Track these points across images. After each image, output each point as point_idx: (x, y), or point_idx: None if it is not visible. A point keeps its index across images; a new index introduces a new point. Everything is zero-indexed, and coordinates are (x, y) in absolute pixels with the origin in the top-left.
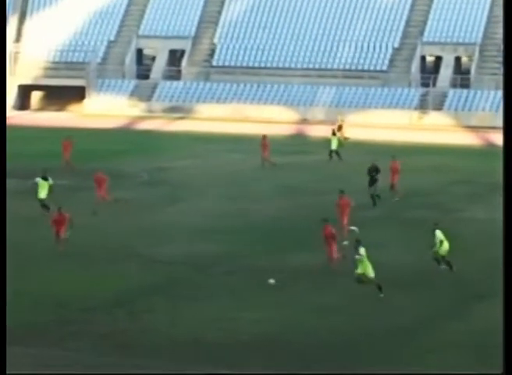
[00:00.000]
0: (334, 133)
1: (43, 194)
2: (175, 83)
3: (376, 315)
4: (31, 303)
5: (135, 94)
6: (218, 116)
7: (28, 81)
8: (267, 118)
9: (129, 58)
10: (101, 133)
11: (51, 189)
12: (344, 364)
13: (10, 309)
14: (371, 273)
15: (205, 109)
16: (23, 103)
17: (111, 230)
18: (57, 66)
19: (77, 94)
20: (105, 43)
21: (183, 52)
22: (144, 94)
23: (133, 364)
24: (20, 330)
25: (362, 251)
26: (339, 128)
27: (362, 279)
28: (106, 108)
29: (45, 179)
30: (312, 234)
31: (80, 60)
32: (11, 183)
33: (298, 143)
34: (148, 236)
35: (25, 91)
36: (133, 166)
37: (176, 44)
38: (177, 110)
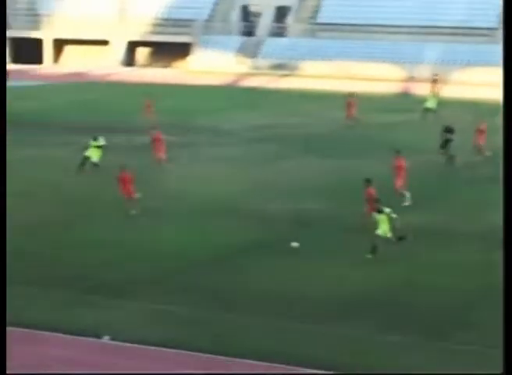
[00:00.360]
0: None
1: (94, 155)
2: (280, 40)
3: (485, 274)
4: (137, 257)
5: (240, 51)
6: (323, 74)
7: (136, 37)
8: (373, 75)
9: (235, 15)
10: (206, 90)
11: (101, 149)
12: (453, 326)
13: (119, 263)
14: (388, 234)
15: (310, 67)
16: (131, 59)
17: (215, 186)
18: (164, 23)
19: (183, 50)
20: (212, 0)
21: (288, 9)
22: (249, 51)
23: (234, 320)
24: (127, 283)
25: (387, 210)
26: (434, 82)
27: (377, 239)
28: (211, 65)
29: (95, 140)
30: (415, 194)
31: (187, 17)
32: (115, 139)
33: (404, 101)
34: (251, 192)
35: (133, 47)
36: (236, 122)
37: (282, 1)
38: (282, 67)
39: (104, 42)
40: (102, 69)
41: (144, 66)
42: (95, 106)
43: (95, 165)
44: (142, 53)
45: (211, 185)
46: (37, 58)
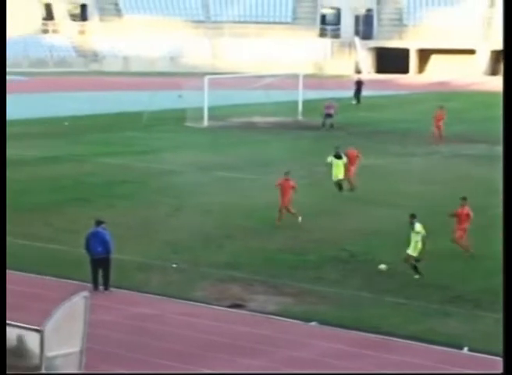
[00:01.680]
0: None
1: (340, 174)
2: None
3: None
4: (488, 269)
5: None
6: None
7: (500, 46)
8: None
9: None
10: None
11: (345, 167)
12: None
13: (471, 275)
14: (412, 253)
15: None
16: (495, 68)
17: None
18: None
19: None
20: None
21: None
22: None
23: None
24: (478, 294)
25: (418, 227)
26: None
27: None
28: None
29: (339, 157)
30: None
31: None
32: (476, 148)
33: None
34: None
35: (497, 56)
36: None
37: None
38: None
39: (470, 51)
40: (466, 78)
41: None
42: (453, 116)
43: (339, 184)
44: None
45: None
46: (402, 68)
